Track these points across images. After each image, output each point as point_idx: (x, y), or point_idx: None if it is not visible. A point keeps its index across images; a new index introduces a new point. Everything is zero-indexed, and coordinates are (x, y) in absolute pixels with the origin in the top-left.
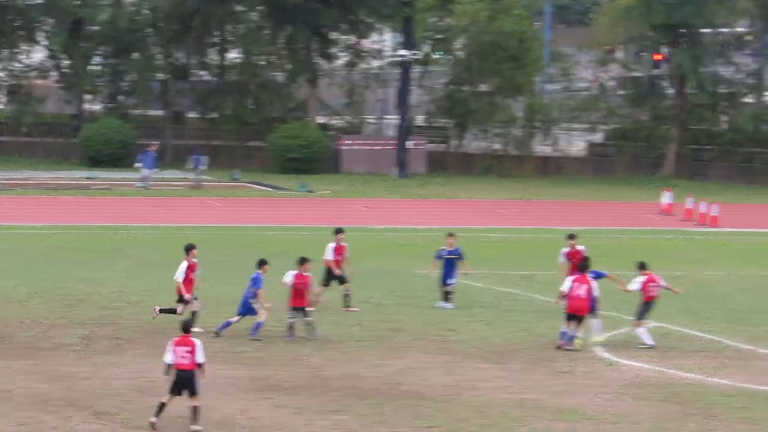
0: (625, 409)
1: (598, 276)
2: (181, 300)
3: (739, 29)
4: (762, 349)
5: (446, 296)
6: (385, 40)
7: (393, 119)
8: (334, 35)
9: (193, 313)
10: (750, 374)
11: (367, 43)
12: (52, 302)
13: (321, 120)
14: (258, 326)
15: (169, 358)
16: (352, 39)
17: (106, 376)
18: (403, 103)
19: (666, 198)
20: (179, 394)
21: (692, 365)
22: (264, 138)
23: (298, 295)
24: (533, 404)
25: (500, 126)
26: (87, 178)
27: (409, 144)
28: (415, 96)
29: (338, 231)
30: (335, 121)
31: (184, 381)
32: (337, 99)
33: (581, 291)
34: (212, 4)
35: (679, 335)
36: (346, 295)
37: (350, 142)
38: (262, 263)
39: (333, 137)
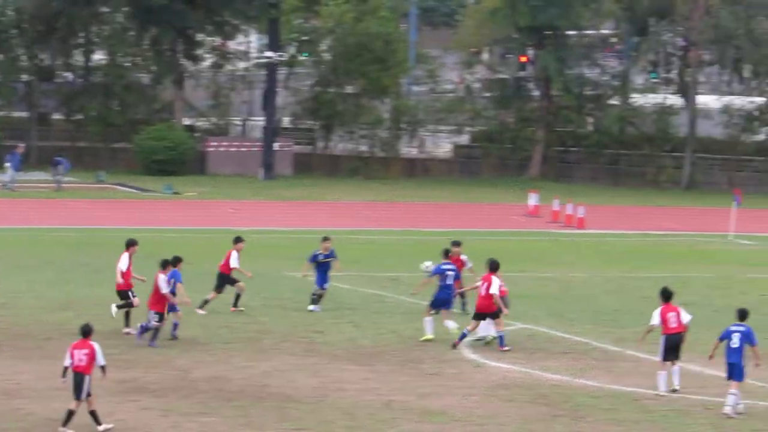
0: (493, 411)
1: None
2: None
3: (605, 31)
4: (628, 350)
5: (316, 299)
6: (250, 42)
7: (259, 121)
8: (199, 36)
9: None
10: (617, 375)
11: (232, 45)
12: None
13: (187, 121)
14: (175, 326)
15: (67, 361)
16: (217, 40)
17: None
18: (269, 105)
19: (532, 200)
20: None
21: (559, 367)
22: (130, 140)
23: (159, 299)
24: (401, 406)
25: (366, 128)
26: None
27: (276, 146)
28: (282, 98)
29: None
30: (201, 123)
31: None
32: (203, 100)
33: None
34: (77, 5)
35: (546, 337)
36: (239, 296)
37: (216, 143)
38: (177, 261)
39: (199, 139)
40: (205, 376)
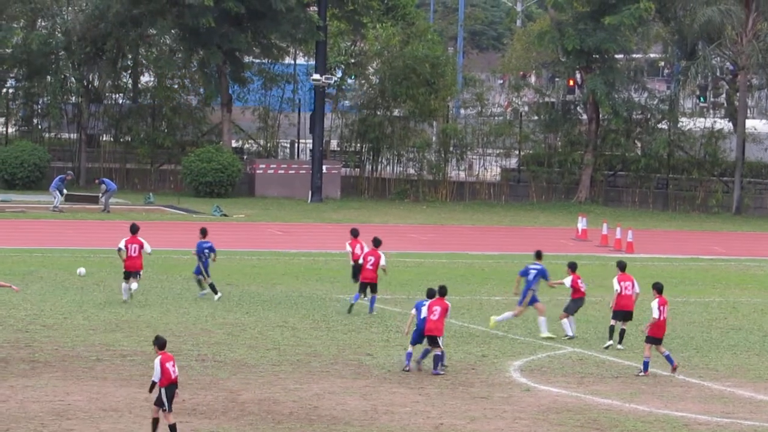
0: None
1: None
2: None
3: (653, 55)
4: (678, 375)
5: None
6: (298, 65)
7: (307, 143)
8: (247, 59)
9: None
10: (667, 400)
11: (280, 67)
12: None
13: (235, 144)
14: None
15: (157, 375)
16: (265, 62)
17: (22, 399)
18: (316, 128)
19: (581, 223)
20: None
21: (610, 391)
22: (178, 162)
23: None
24: (450, 429)
25: (414, 151)
26: (1, 200)
27: (323, 168)
28: (329, 120)
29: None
30: (249, 145)
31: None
32: (251, 123)
33: None
34: (125, 28)
35: (596, 361)
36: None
37: (264, 166)
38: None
39: (247, 161)
40: (255, 398)
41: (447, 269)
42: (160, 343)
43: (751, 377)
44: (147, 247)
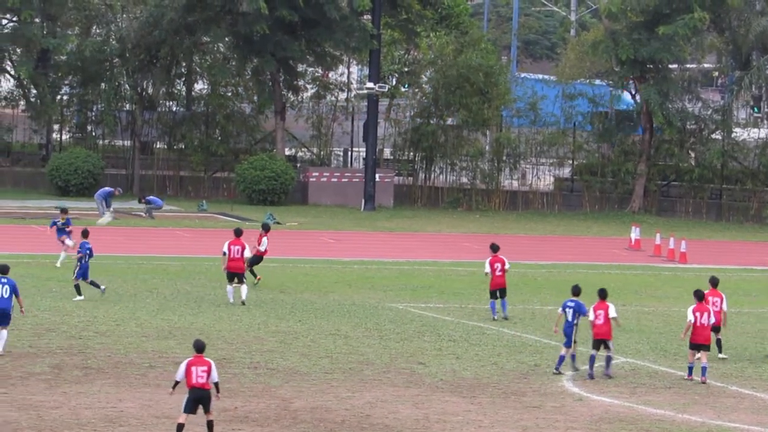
0: None
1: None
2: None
3: (707, 65)
4: (732, 386)
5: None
6: (352, 73)
7: (360, 152)
8: (300, 67)
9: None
10: (720, 411)
11: (334, 76)
12: (21, 331)
13: (288, 152)
14: None
15: (180, 375)
16: (319, 71)
17: (75, 405)
18: (370, 136)
19: (634, 233)
20: (194, 412)
21: (662, 401)
22: (231, 169)
23: None
24: None
25: (467, 159)
26: (56, 207)
27: (376, 177)
28: (382, 129)
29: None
30: (302, 153)
31: (200, 399)
32: (305, 131)
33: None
34: (179, 35)
35: (649, 371)
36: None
37: (317, 174)
38: None
39: (300, 169)
40: (307, 406)
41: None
42: (195, 347)
43: None
44: (248, 251)
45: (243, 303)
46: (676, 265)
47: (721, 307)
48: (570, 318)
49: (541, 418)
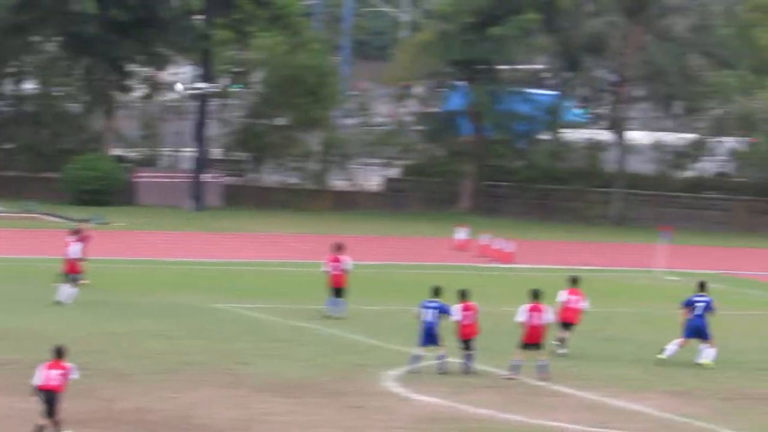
0: None
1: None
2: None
3: (537, 66)
4: (554, 385)
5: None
6: (183, 73)
7: (190, 152)
8: (132, 67)
9: None
10: (541, 410)
11: (164, 75)
12: None
13: (117, 152)
14: None
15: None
16: (149, 71)
17: None
18: (200, 136)
19: (460, 234)
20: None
21: (485, 401)
22: (59, 169)
23: None
24: None
25: (297, 160)
26: None
27: (206, 177)
28: (213, 129)
29: None
30: (131, 153)
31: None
32: (134, 131)
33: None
34: (8, 34)
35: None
36: None
37: (146, 174)
38: None
39: (129, 169)
40: (130, 407)
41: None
42: (54, 351)
43: (624, 387)
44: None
45: (60, 303)
46: (502, 265)
47: (578, 306)
48: (429, 318)
49: (364, 418)
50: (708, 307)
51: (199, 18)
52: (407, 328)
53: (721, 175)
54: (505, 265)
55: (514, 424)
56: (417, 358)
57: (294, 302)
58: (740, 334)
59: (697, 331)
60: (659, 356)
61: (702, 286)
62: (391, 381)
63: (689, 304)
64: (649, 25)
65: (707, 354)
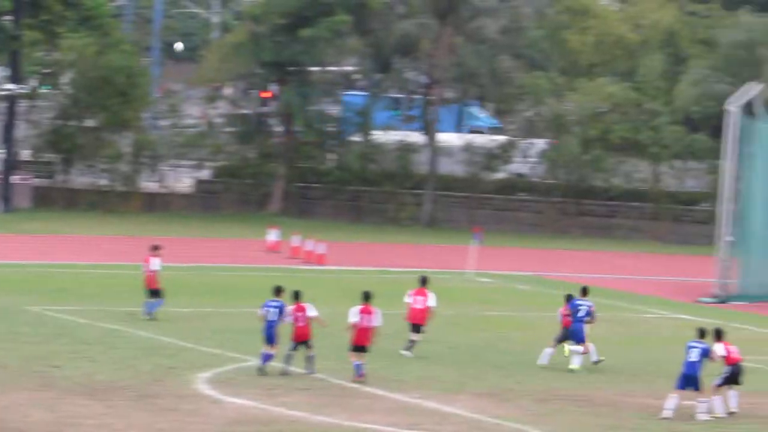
0: None
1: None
2: None
3: (348, 68)
4: (366, 387)
5: None
6: None
7: None
8: None
9: None
10: (354, 412)
11: None
12: None
13: None
14: None
15: None
16: None
17: None
18: (8, 138)
19: (272, 235)
20: None
21: (298, 403)
22: None
23: None
24: None
25: (107, 161)
26: None
27: (14, 179)
28: (22, 130)
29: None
30: None
31: None
32: None
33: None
34: None
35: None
36: None
37: None
38: None
39: None
40: None
41: (137, 280)
42: None
43: (437, 389)
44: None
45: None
46: (313, 267)
47: (425, 306)
48: (271, 317)
49: (176, 420)
50: (588, 313)
51: (7, 19)
52: (219, 330)
53: (521, 176)
54: (317, 267)
55: (327, 426)
56: (269, 357)
57: (105, 304)
58: (549, 336)
59: (573, 334)
60: (540, 363)
61: (584, 291)
62: (203, 383)
63: (573, 308)
64: (460, 27)
65: (578, 360)
